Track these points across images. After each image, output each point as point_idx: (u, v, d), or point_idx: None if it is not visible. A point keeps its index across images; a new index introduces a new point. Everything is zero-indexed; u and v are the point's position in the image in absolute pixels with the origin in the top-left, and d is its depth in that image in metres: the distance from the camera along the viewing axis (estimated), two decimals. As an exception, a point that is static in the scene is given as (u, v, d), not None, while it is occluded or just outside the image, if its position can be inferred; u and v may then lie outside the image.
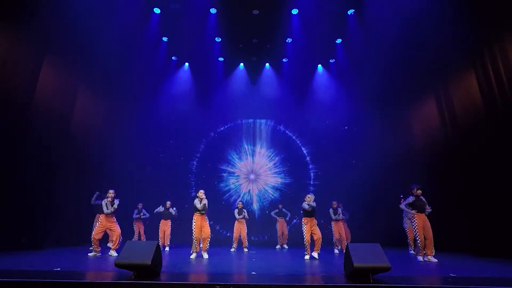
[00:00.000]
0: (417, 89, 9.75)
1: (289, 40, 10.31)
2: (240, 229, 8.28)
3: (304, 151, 12.40)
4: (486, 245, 6.90)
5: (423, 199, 6.19)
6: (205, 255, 6.27)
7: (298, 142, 12.50)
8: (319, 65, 11.84)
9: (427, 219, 6.07)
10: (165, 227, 8.34)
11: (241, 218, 8.31)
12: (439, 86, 8.88)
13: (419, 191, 6.17)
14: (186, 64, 11.78)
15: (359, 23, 9.13)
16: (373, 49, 9.58)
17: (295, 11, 9.14)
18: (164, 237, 8.24)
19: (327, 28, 9.36)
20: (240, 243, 8.39)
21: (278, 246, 9.36)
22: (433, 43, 8.20)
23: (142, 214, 8.91)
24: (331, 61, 11.51)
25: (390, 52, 9.01)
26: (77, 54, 8.26)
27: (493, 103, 6.90)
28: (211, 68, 11.57)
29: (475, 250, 7.16)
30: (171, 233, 8.46)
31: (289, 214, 9.55)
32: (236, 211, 8.47)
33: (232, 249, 8.09)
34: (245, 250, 8.02)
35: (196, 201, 6.53)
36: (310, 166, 12.26)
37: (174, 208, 8.46)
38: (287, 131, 12.60)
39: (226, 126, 12.61)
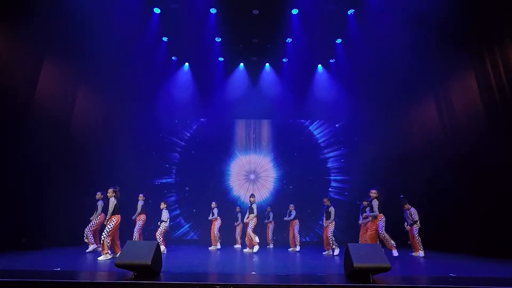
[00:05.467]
0: (417, 88, 9.75)
1: (289, 40, 10.31)
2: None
3: (305, 151, 12.39)
4: (486, 245, 6.90)
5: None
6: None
7: (298, 142, 12.49)
8: (319, 65, 11.85)
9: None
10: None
11: (268, 221, 9.76)
12: (438, 86, 8.88)
13: (365, 202, 7.73)
14: (186, 64, 11.79)
15: (359, 23, 9.13)
16: (373, 49, 9.58)
17: (295, 11, 9.14)
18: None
19: (327, 28, 9.36)
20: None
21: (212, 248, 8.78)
22: (433, 42, 8.20)
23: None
24: (331, 61, 11.52)
25: (390, 52, 9.00)
26: (77, 54, 8.25)
27: (493, 103, 6.89)
28: (211, 68, 11.58)
29: (475, 250, 7.16)
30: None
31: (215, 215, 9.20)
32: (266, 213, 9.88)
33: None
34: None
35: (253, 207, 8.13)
36: (310, 166, 12.25)
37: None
38: (287, 131, 12.59)
39: (226, 126, 12.61)
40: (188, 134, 12.46)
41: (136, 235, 7.65)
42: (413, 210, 7.46)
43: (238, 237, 9.62)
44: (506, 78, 6.55)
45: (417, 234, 7.21)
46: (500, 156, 6.63)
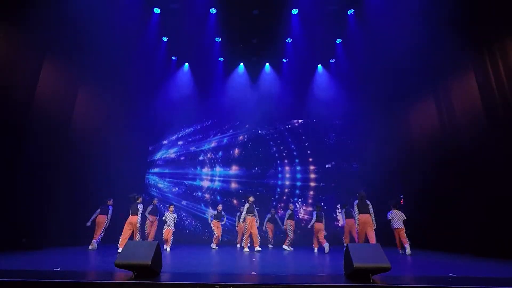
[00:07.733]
0: (417, 89, 9.75)
1: (289, 40, 10.32)
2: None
3: (304, 150, 12.40)
4: (486, 245, 6.90)
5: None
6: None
7: (298, 141, 12.50)
8: (319, 65, 11.86)
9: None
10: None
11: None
12: (438, 86, 8.88)
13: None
14: (186, 64, 11.80)
15: (359, 23, 9.14)
16: (373, 49, 9.59)
17: (295, 11, 9.15)
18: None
19: (327, 28, 9.38)
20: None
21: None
22: (433, 42, 8.20)
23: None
24: (331, 61, 11.53)
25: (390, 51, 9.01)
26: (77, 54, 8.25)
27: (492, 103, 6.89)
28: (211, 68, 11.59)
29: (475, 250, 7.16)
30: None
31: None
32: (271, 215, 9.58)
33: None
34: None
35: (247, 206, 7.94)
36: (310, 166, 12.26)
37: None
38: (286, 130, 12.60)
39: (226, 125, 12.62)
40: (188, 134, 12.46)
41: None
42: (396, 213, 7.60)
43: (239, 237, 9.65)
44: (506, 78, 6.55)
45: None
46: (500, 156, 6.62)
